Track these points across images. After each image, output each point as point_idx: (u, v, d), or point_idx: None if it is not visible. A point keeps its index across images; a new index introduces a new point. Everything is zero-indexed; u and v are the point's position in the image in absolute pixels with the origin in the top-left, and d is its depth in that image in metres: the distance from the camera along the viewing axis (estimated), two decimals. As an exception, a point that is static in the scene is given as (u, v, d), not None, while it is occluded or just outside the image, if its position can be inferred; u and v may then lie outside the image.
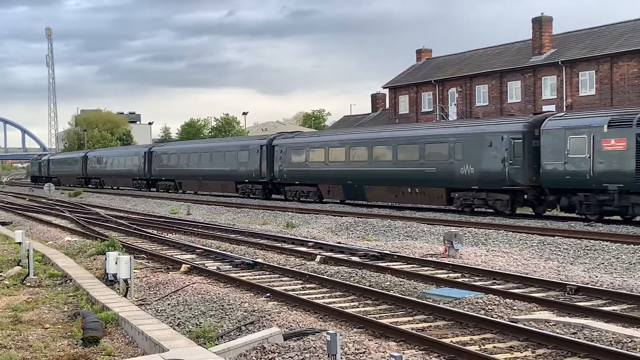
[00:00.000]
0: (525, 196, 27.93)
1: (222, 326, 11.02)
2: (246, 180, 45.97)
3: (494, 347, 9.58)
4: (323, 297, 13.31)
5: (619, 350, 8.96)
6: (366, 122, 69.68)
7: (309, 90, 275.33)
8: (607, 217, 25.50)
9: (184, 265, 16.78)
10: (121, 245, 19.52)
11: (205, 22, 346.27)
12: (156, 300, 13.34)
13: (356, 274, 15.57)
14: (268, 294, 13.34)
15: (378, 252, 18.25)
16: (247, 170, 45.46)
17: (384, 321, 10.86)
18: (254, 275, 15.94)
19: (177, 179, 55.83)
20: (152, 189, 60.54)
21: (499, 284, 14.28)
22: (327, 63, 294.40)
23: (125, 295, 13.46)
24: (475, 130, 29.68)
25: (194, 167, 52.42)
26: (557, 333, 9.99)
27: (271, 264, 17.16)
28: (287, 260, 18.33)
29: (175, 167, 55.82)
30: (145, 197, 50.71)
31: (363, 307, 12.40)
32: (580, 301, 12.50)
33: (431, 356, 9.11)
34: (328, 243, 20.90)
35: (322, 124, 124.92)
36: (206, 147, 53.18)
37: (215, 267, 16.91)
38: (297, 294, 13.25)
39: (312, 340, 9.43)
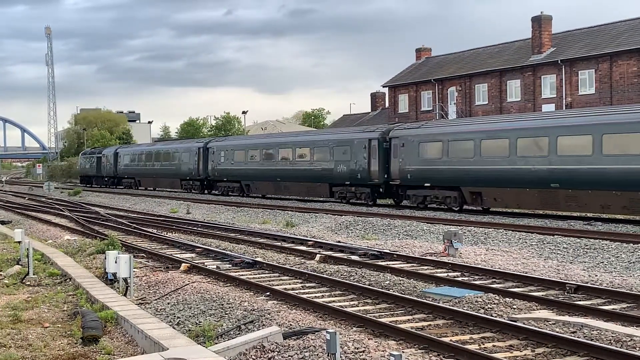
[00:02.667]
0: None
1: (222, 325, 11.02)
2: None
3: (494, 346, 9.58)
4: (323, 296, 13.31)
5: (619, 349, 8.96)
6: (365, 121, 69.67)
7: (308, 89, 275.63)
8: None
9: (183, 264, 16.78)
10: (121, 244, 19.53)
11: (204, 21, 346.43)
12: (156, 299, 13.35)
13: (356, 273, 15.58)
14: (268, 293, 13.34)
15: (378, 251, 18.25)
16: None
17: (384, 320, 10.87)
18: (254, 274, 15.94)
19: (478, 185, 29.17)
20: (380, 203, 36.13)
21: (498, 283, 14.29)
22: (327, 62, 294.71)
23: (124, 294, 13.46)
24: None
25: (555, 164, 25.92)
26: (557, 332, 9.99)
27: (271, 263, 17.15)
28: (287, 259, 18.33)
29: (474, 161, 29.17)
30: (144, 196, 50.68)
31: (363, 306, 12.40)
32: (579, 300, 12.50)
33: (431, 355, 9.11)
34: (328, 242, 20.91)
35: (322, 123, 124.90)
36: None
37: (214, 266, 16.91)
38: (296, 293, 13.26)
39: (312, 339, 9.43)
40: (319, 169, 38.64)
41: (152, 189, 59.48)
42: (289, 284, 14.60)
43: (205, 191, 51.88)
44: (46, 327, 11.67)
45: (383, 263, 16.86)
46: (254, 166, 45.15)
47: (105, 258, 14.81)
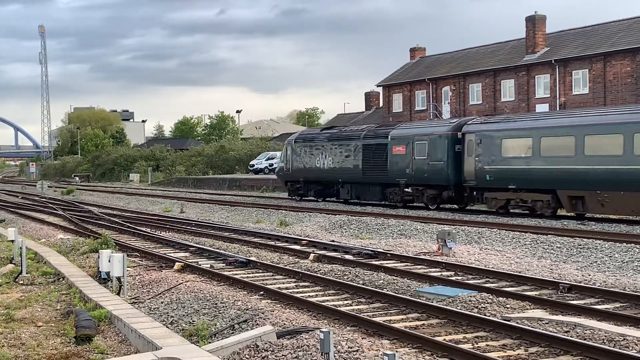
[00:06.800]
0: None
1: (216, 324, 11.01)
2: None
3: (487, 345, 9.59)
4: (316, 295, 13.31)
5: (612, 348, 8.98)
6: (359, 120, 69.69)
7: (301, 88, 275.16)
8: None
9: (177, 264, 16.76)
10: (114, 243, 19.48)
11: (197, 21, 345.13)
12: (149, 299, 13.32)
13: (350, 272, 15.57)
14: (261, 292, 13.33)
15: (371, 251, 18.25)
16: None
17: (377, 319, 10.87)
18: (248, 274, 15.93)
19: None
20: None
21: (492, 283, 14.31)
22: (320, 61, 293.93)
23: (118, 294, 13.44)
24: None
25: None
26: (550, 331, 10.01)
27: (265, 262, 17.14)
28: (281, 258, 18.32)
29: None
30: (138, 195, 50.59)
31: (356, 305, 12.40)
32: (573, 299, 12.52)
33: (424, 354, 9.12)
34: (322, 241, 20.90)
35: (316, 122, 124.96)
36: None
37: (208, 265, 16.88)
38: (290, 292, 13.25)
39: (306, 339, 9.42)
40: None
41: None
42: (283, 283, 14.60)
43: None
44: (39, 326, 11.64)
45: (377, 262, 16.87)
46: None
47: (98, 257, 14.79)
